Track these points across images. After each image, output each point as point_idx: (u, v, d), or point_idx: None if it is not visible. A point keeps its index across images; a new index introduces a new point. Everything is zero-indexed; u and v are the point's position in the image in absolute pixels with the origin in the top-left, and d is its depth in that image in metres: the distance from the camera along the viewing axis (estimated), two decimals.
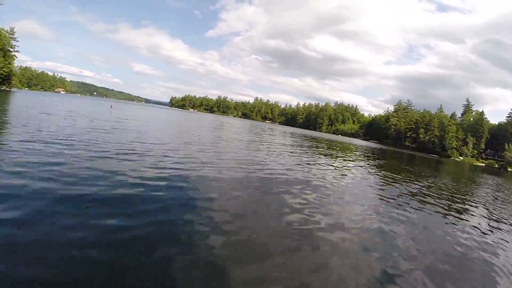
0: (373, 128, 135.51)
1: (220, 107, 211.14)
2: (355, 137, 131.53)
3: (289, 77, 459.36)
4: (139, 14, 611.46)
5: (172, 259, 3.70)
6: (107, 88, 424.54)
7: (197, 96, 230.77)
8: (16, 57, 63.58)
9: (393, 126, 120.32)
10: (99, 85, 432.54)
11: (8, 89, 61.94)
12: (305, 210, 6.51)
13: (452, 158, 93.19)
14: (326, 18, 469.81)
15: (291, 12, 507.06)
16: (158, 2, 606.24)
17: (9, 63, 59.44)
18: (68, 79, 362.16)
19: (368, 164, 20.67)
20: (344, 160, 20.53)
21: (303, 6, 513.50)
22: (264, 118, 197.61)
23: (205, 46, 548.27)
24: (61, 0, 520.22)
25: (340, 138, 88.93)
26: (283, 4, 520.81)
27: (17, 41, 62.86)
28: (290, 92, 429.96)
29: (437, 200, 10.94)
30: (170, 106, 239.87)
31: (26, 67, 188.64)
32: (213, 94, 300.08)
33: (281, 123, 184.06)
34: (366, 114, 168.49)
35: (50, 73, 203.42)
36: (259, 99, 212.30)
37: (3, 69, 57.09)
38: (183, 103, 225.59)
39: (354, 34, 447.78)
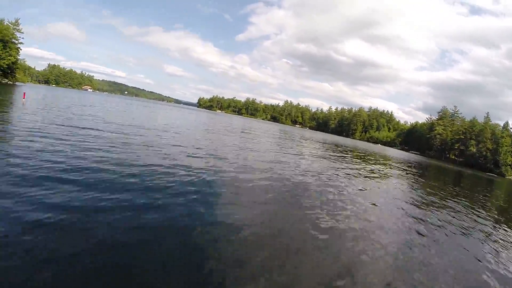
0: (413, 137, 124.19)
1: (248, 109, 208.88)
2: (391, 146, 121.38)
3: (320, 82, 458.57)
4: (171, 18, 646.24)
5: (223, 264, 4.09)
6: (138, 88, 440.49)
7: (226, 98, 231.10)
8: (21, 49, 61.09)
9: (438, 136, 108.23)
10: (131, 85, 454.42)
11: (11, 83, 59.69)
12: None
13: (506, 177, 79.34)
14: (357, 22, 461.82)
15: (321, 16, 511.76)
16: (190, 7, 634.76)
17: (11, 55, 56.64)
18: (100, 78, 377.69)
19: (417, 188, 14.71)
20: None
21: (333, 10, 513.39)
22: (294, 122, 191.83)
23: (236, 49, 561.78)
24: (95, 4, 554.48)
25: (377, 148, 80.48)
26: (313, 8, 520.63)
27: (22, 32, 60.05)
28: (321, 97, 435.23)
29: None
30: (198, 107, 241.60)
31: (54, 65, 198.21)
32: (243, 96, 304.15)
33: (311, 128, 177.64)
34: (401, 121, 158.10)
35: (78, 71, 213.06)
36: (289, 102, 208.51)
37: (3, 60, 54.61)
38: (210, 104, 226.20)
39: (385, 38, 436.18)
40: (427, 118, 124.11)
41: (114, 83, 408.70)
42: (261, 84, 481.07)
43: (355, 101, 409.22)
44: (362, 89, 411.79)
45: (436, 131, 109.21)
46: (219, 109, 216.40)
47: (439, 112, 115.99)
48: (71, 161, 7.48)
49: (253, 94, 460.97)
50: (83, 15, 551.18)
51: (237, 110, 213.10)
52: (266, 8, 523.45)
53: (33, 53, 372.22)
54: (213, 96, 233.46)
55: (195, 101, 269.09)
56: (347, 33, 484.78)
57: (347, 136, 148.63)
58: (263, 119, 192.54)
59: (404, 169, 26.68)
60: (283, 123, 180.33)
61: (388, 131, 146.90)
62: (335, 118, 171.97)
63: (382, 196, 11.61)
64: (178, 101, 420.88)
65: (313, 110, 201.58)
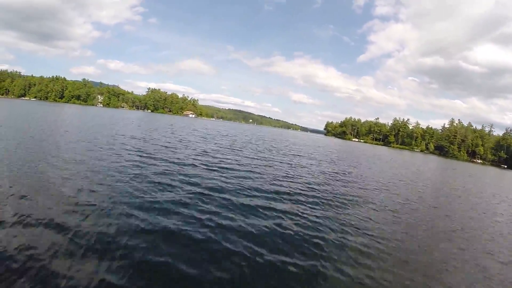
0: None
1: (398, 136, 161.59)
2: None
3: (451, 99, 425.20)
4: (290, 46, 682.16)
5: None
6: (264, 116, 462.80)
7: (362, 120, 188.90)
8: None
9: None
10: (258, 113, 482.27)
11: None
12: None
13: None
14: (484, 23, 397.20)
15: (443, 23, 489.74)
16: (307, 33, 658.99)
17: None
18: (227, 108, 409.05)
19: None
20: None
21: (455, 14, 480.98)
22: (471, 155, 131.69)
23: (359, 71, 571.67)
24: (220, 42, 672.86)
25: None
26: (432, 15, 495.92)
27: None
28: (452, 117, 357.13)
29: None
30: (325, 134, 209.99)
31: (154, 89, 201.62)
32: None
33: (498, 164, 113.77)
34: None
35: (180, 95, 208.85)
36: (456, 122, 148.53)
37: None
38: (342, 130, 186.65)
39: None
40: None
41: (239, 111, 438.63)
42: (388, 107, 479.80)
43: (491, 118, 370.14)
44: (499, 102, 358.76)
45: None
46: (355, 137, 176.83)
47: None
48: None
49: (381, 119, 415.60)
50: (210, 52, 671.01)
51: (381, 137, 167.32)
52: (382, 24, 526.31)
53: (170, 88, 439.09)
54: (346, 119, 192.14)
55: (320, 128, 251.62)
56: (475, 37, 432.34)
57: None
58: (422, 151, 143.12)
59: None
60: (457, 158, 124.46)
61: None
62: None
63: None
64: (304, 129, 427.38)
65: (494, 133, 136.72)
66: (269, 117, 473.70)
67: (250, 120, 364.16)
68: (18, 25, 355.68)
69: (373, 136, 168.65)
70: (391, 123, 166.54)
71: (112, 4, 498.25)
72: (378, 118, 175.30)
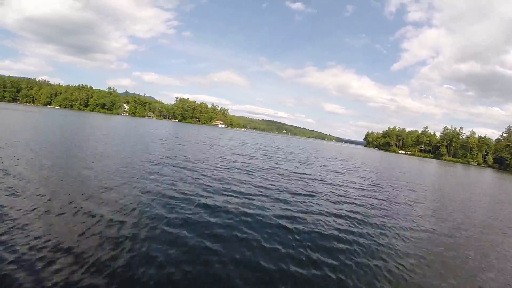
0: None
1: (451, 147, 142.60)
2: None
3: (489, 106, 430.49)
4: (323, 56, 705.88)
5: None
6: (297, 127, 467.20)
7: (407, 130, 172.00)
8: None
9: None
10: (292, 124, 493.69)
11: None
12: None
13: None
14: None
15: (477, 25, 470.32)
16: (339, 43, 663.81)
17: None
18: (260, 118, 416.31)
19: None
20: None
21: (490, 15, 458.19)
22: None
23: (393, 80, 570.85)
24: (253, 54, 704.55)
25: None
26: (466, 18, 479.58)
27: None
28: (491, 125, 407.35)
29: None
30: (365, 145, 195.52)
31: (182, 98, 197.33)
32: None
33: None
34: None
35: (209, 105, 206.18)
36: None
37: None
38: (386, 141, 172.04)
39: None
40: None
41: (273, 122, 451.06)
42: (423, 116, 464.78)
43: None
44: None
45: None
46: (401, 149, 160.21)
47: None
48: None
49: (417, 129, 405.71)
50: (243, 64, 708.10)
51: (431, 149, 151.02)
52: (416, 30, 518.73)
53: (204, 99, 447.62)
54: (389, 128, 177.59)
55: (355, 138, 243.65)
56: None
57: None
58: (478, 163, 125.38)
59: None
60: None
61: None
62: None
63: None
64: (339, 139, 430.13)
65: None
66: (303, 128, 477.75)
67: (284, 131, 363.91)
68: (57, 39, 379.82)
69: (420, 147, 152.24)
70: (440, 133, 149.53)
71: (146, 19, 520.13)
72: (427, 127, 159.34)
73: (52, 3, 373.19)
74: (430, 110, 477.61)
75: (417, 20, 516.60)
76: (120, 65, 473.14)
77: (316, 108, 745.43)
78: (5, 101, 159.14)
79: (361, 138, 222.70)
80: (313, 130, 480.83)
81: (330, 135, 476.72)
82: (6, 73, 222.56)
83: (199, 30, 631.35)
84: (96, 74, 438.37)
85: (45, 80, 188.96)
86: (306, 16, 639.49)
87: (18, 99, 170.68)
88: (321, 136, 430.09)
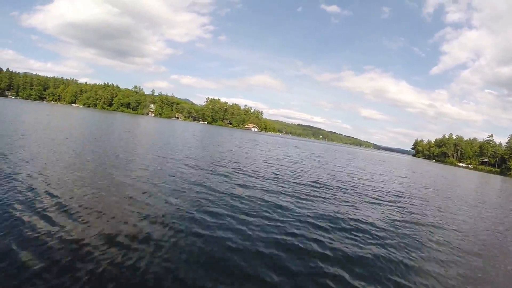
0: None
1: None
2: None
3: None
4: (360, 60, 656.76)
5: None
6: (334, 132, 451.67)
7: (466, 139, 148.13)
8: None
9: None
10: (328, 129, 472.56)
11: None
12: None
13: None
14: None
15: None
16: (376, 45, 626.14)
17: None
18: (296, 123, 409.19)
19: None
20: None
21: None
22: None
23: (432, 85, 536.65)
24: (289, 57, 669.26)
25: None
26: (507, 17, 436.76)
27: None
28: None
29: None
30: (413, 155, 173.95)
31: (213, 99, 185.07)
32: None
33: None
34: None
35: (242, 107, 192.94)
36: None
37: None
38: (442, 151, 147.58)
39: None
40: None
41: (309, 127, 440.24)
42: (462, 123, 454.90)
43: None
44: None
45: None
46: (459, 161, 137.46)
47: None
48: None
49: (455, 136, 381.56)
50: (279, 67, 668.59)
51: (496, 162, 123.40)
52: (455, 32, 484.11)
53: (240, 102, 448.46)
54: (444, 136, 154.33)
55: (392, 145, 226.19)
56: None
57: None
58: None
59: None
60: None
61: None
62: None
63: None
64: (377, 146, 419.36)
65: None
66: (339, 133, 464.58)
67: (320, 136, 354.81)
68: (96, 43, 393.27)
69: (482, 159, 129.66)
70: (506, 142, 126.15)
71: (183, 23, 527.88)
72: (491, 135, 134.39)
73: (91, 8, 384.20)
74: (470, 117, 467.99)
75: (456, 21, 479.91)
76: (158, 68, 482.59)
77: (352, 113, 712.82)
78: (31, 99, 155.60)
79: (398, 146, 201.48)
80: (350, 136, 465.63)
81: (367, 141, 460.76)
82: (49, 74, 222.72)
83: (235, 34, 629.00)
84: (135, 77, 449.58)
85: (73, 79, 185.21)
86: (342, 19, 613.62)
87: (45, 98, 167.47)
88: (358, 143, 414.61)
